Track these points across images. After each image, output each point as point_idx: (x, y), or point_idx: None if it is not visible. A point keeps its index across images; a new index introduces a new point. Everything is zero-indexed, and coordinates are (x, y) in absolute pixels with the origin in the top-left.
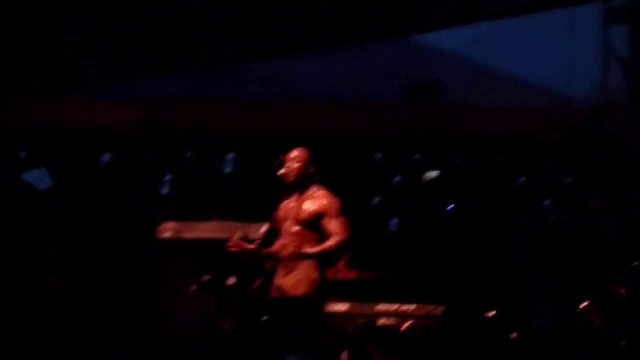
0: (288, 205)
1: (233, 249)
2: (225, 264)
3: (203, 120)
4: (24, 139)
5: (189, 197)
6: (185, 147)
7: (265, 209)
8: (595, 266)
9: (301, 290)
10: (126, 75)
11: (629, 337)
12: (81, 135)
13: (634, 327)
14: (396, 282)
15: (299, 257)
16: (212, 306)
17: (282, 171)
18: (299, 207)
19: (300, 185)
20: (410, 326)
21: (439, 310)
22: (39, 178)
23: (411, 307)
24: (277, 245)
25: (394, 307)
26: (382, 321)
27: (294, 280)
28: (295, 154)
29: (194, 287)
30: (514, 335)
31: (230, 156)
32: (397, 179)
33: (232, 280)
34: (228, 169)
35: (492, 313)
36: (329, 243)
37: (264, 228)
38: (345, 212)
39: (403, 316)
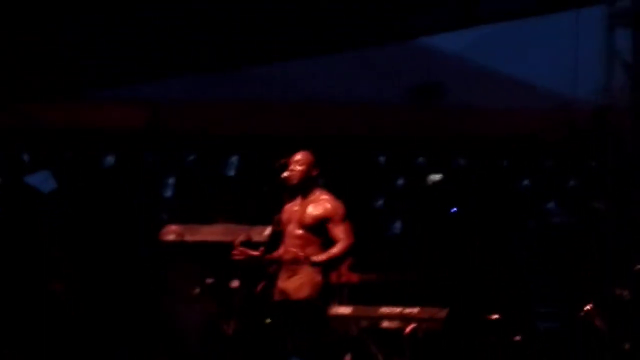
0: (291, 208)
1: (237, 257)
2: (228, 267)
3: (205, 122)
4: (24, 140)
5: (191, 199)
6: (187, 149)
7: (268, 211)
8: (598, 268)
9: (304, 293)
10: (126, 76)
11: (632, 340)
12: (82, 137)
13: (637, 330)
14: (399, 284)
15: (306, 261)
16: (215, 309)
17: (285, 174)
18: (303, 211)
19: (303, 188)
20: (414, 329)
21: (443, 312)
22: (42, 180)
23: (414, 310)
24: (280, 249)
25: (397, 309)
26: (385, 324)
27: (297, 283)
28: (298, 156)
29: (197, 290)
30: (518, 337)
31: (233, 158)
32: (399, 181)
33: (235, 283)
34: (231, 171)
35: (496, 315)
36: (335, 250)
37: (268, 230)
38: (348, 214)
39: (406, 319)
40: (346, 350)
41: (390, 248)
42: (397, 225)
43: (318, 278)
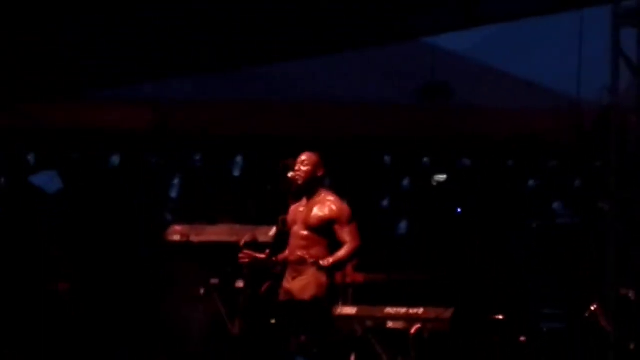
0: (297, 209)
1: (243, 260)
2: (233, 267)
3: (209, 122)
4: (27, 140)
5: (194, 199)
6: (191, 149)
7: (272, 211)
8: (603, 268)
9: (309, 293)
10: (126, 76)
11: (637, 340)
12: (85, 137)
13: None
14: (404, 284)
15: (313, 265)
16: (220, 309)
17: (291, 174)
18: (308, 212)
19: (309, 189)
20: (419, 329)
21: (448, 313)
22: (48, 181)
23: (419, 310)
24: (286, 250)
25: (402, 310)
26: (390, 324)
27: (302, 284)
28: (304, 157)
29: (202, 290)
30: (522, 337)
31: (237, 158)
32: (404, 181)
33: (240, 283)
34: (235, 172)
35: (500, 315)
36: (341, 253)
37: (273, 231)
38: (353, 215)
39: (411, 319)
40: (351, 351)
41: (395, 248)
42: (402, 225)
43: (323, 279)
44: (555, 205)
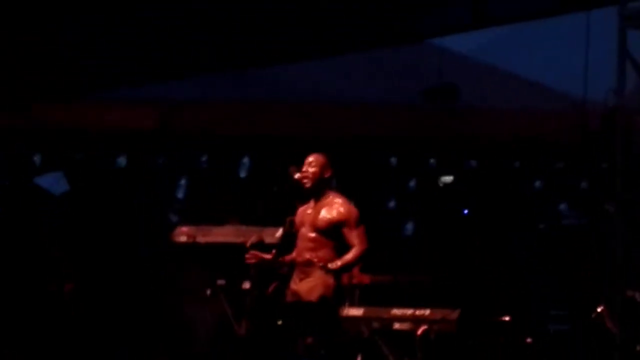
0: (305, 211)
1: (250, 260)
2: (240, 268)
3: (214, 122)
4: (28, 140)
5: (201, 200)
6: (196, 149)
7: (278, 212)
8: (609, 270)
9: (316, 294)
10: (126, 77)
11: None
12: (89, 138)
13: None
14: (411, 285)
15: (321, 269)
16: (227, 310)
17: (298, 175)
18: (316, 214)
19: (317, 190)
20: (425, 330)
21: (455, 314)
22: (54, 182)
23: (426, 311)
24: (293, 251)
25: (408, 311)
26: (396, 325)
27: (309, 285)
28: (311, 158)
29: (209, 291)
30: (528, 339)
31: (243, 159)
32: (411, 182)
33: (246, 284)
34: (241, 172)
35: (507, 317)
36: (349, 256)
37: (279, 232)
38: (360, 216)
39: (418, 320)
40: (358, 352)
41: (401, 249)
42: (408, 226)
43: (330, 280)
44: (561, 206)
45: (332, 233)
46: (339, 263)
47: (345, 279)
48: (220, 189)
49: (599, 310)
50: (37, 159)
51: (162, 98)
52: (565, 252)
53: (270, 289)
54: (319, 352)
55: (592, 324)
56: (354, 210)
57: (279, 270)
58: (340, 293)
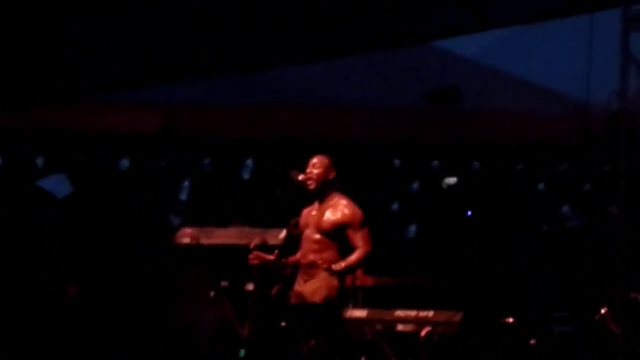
0: (309, 212)
1: (253, 261)
2: (243, 270)
3: (218, 125)
4: (28, 141)
5: (205, 202)
6: (200, 152)
7: (281, 214)
8: (611, 272)
9: (320, 296)
10: (127, 78)
11: None
12: (91, 139)
13: None
14: (414, 287)
15: (326, 271)
16: (230, 311)
17: (302, 177)
18: (320, 216)
19: (321, 192)
20: (429, 332)
21: (458, 316)
22: (57, 184)
23: (429, 313)
24: (297, 253)
25: (412, 313)
26: (400, 327)
27: (313, 287)
28: (315, 160)
29: (212, 293)
30: (532, 340)
31: (247, 161)
32: (414, 185)
33: (250, 286)
34: (245, 174)
35: (510, 319)
36: (353, 257)
37: (283, 234)
38: (364, 218)
39: (421, 322)
40: (361, 354)
41: (404, 251)
42: (412, 228)
43: (334, 282)
44: (564, 209)
45: (337, 235)
46: (343, 265)
47: (348, 280)
48: (223, 191)
49: (602, 312)
50: (39, 161)
51: (165, 100)
52: (567, 254)
53: (274, 290)
54: (322, 354)
55: (595, 325)
56: (358, 212)
57: (282, 271)
58: (344, 295)
